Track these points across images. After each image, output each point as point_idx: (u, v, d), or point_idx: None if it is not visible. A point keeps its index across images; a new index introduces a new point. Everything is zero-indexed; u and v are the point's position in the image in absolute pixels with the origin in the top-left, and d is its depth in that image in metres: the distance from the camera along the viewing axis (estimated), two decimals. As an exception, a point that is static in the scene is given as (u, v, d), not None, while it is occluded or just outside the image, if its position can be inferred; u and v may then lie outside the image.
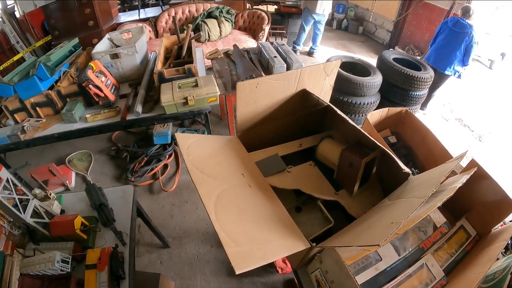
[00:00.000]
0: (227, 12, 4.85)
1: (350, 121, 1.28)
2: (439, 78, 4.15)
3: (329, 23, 7.12)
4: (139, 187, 2.94)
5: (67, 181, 2.89)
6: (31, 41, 4.46)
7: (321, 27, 5.17)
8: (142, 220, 1.95)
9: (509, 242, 1.53)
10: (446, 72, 4.03)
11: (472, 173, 1.25)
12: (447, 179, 1.36)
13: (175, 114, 2.16)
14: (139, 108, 2.14)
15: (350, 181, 1.30)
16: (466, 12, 3.70)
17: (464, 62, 4.03)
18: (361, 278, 1.12)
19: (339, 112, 1.30)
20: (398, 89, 3.41)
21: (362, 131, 1.25)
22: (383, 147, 1.22)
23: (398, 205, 1.06)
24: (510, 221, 1.79)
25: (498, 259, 1.36)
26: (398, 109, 1.76)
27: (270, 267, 2.25)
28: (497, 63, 8.38)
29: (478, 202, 1.35)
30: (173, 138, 3.25)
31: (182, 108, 2.12)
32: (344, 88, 3.12)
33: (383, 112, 1.72)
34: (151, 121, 2.24)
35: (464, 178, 1.17)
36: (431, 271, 1.20)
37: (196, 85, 2.11)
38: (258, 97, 1.32)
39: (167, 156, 3.17)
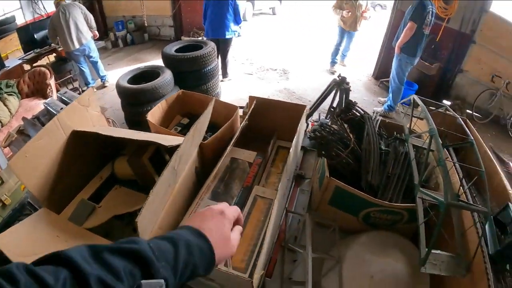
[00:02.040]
0: (7, 86, 4.05)
1: (121, 135, 1.33)
2: (225, 44, 4.61)
3: (114, 44, 6.87)
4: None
5: None
6: None
7: (94, 58, 4.88)
8: None
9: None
10: (227, 36, 4.49)
11: (252, 107, 1.50)
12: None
13: (2, 222, 1.74)
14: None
15: (151, 179, 1.34)
16: None
17: (237, 22, 4.59)
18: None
19: (104, 133, 1.31)
20: (190, 74, 3.61)
21: (132, 137, 1.29)
22: (153, 140, 1.24)
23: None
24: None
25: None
26: (174, 95, 1.81)
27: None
28: (278, 8, 9.88)
29: (279, 122, 1.59)
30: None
31: (4, 212, 1.74)
32: (142, 99, 3.13)
33: (162, 105, 1.75)
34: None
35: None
36: (265, 197, 1.32)
37: (2, 182, 1.75)
38: (35, 163, 1.24)
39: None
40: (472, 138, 1.32)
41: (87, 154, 1.45)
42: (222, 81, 4.88)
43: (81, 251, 0.43)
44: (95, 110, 1.50)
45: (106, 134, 1.32)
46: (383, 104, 4.76)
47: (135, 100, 3.21)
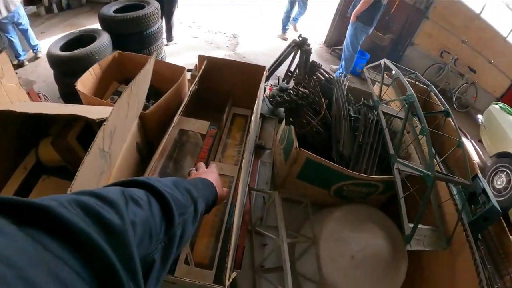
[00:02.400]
0: None
1: (39, 111, 1.00)
2: (169, 5, 4.22)
3: (48, 10, 5.98)
4: None
5: None
6: None
7: (23, 25, 4.15)
8: None
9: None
10: None
11: (202, 68, 1.29)
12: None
13: None
14: None
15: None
16: None
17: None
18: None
19: (19, 111, 0.98)
20: (131, 36, 3.21)
21: (53, 112, 0.98)
22: (79, 114, 0.96)
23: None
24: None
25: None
26: (109, 57, 1.50)
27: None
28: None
29: (233, 86, 1.38)
30: None
31: None
32: (76, 68, 2.66)
33: (94, 70, 1.43)
34: None
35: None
36: (224, 174, 1.13)
37: None
38: None
39: None
40: (448, 107, 1.23)
41: (7, 139, 1.14)
42: (166, 45, 4.48)
43: (149, 178, 0.49)
44: (11, 82, 1.16)
45: (22, 111, 0.99)
46: (335, 72, 4.74)
47: (68, 70, 2.76)
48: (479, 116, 3.92)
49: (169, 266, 0.46)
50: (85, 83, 1.38)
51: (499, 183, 2.97)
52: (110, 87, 1.54)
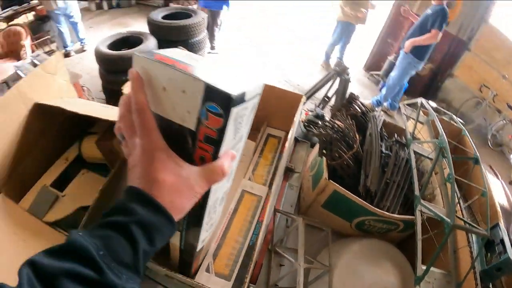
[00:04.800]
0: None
1: (88, 113, 1.07)
2: (216, 16, 4.37)
3: (99, 6, 6.38)
4: None
5: None
6: None
7: (74, 18, 4.47)
8: None
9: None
10: (224, 9, 4.27)
11: None
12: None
13: None
14: None
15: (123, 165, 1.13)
16: None
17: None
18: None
19: (69, 109, 1.07)
20: (177, 43, 3.33)
21: (100, 116, 1.06)
22: None
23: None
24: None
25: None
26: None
27: None
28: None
29: (269, 109, 1.43)
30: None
31: None
32: (121, 67, 2.85)
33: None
34: None
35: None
36: (253, 193, 1.18)
37: None
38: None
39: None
40: (478, 154, 1.23)
41: (51, 131, 1.22)
42: (209, 52, 4.69)
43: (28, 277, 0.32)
44: (63, 78, 1.26)
45: (71, 110, 1.08)
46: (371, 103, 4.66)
47: (113, 68, 2.95)
48: (512, 157, 3.76)
49: None
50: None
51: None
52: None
